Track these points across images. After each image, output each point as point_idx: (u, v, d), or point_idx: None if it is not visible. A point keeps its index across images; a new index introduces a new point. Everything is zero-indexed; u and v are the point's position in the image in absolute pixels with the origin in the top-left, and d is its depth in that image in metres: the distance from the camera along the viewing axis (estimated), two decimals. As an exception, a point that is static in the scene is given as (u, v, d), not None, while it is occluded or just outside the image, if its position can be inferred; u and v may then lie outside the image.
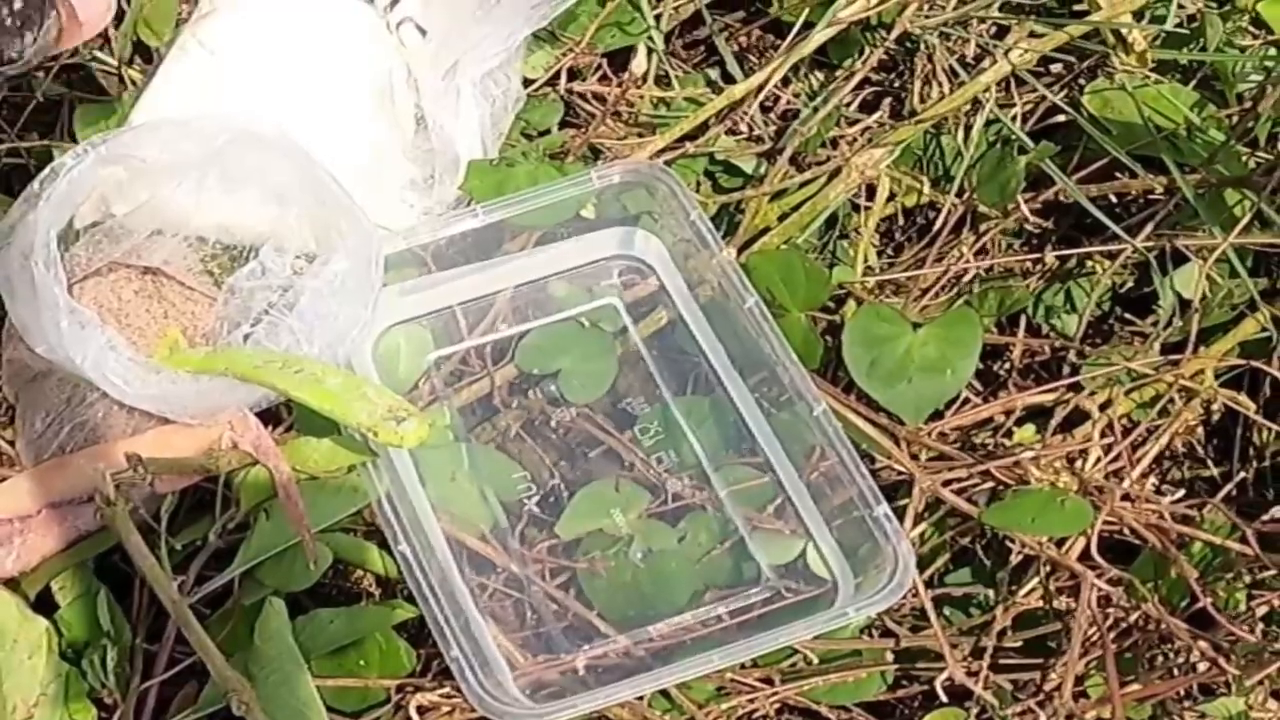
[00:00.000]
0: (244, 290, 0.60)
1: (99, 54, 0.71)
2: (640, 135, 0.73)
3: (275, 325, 0.58)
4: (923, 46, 0.74)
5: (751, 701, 0.59)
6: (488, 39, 0.66)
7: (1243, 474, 0.67)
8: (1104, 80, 0.72)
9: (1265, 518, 0.61)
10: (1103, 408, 0.65)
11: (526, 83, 0.71)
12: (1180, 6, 0.72)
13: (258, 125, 0.59)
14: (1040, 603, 0.62)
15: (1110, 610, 0.61)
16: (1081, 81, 0.74)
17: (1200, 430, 0.69)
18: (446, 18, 0.67)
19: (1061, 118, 0.73)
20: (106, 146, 0.57)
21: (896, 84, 0.76)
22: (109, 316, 0.61)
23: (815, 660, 0.60)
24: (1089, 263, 0.70)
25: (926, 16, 0.74)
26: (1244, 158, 0.69)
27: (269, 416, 0.62)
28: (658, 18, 0.74)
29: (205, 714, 0.55)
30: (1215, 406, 0.68)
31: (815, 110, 0.72)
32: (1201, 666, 0.60)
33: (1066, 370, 0.68)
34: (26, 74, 0.53)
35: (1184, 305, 0.67)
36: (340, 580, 0.62)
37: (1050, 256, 0.70)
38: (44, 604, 0.56)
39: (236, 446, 0.58)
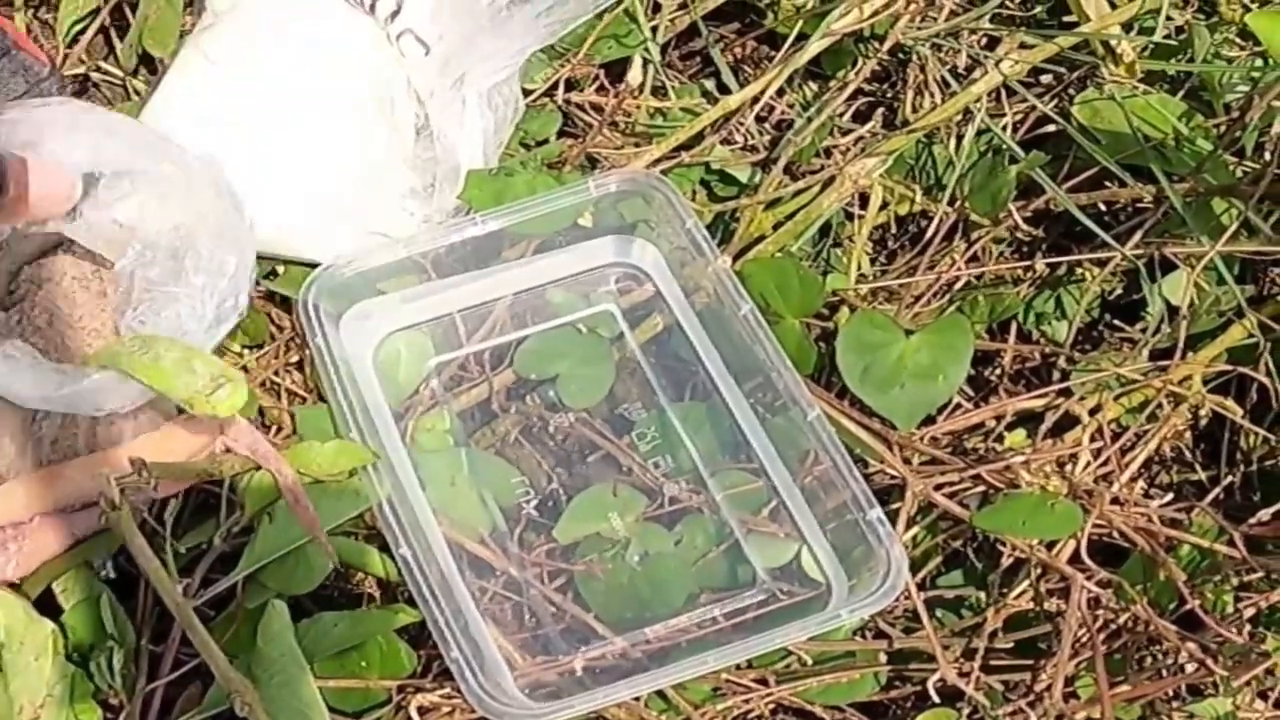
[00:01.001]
0: (125, 275, 0.60)
1: (106, 65, 0.72)
2: (637, 145, 0.73)
3: (153, 306, 0.59)
4: (915, 58, 0.74)
5: (746, 702, 0.59)
6: (498, 52, 0.66)
7: (1230, 478, 0.67)
8: (1093, 91, 0.72)
9: (1252, 521, 0.62)
10: (1092, 413, 0.65)
11: (525, 93, 0.71)
12: (1168, 18, 0.72)
13: (189, 156, 0.60)
14: (1031, 605, 0.62)
15: (1100, 612, 0.61)
16: (1071, 92, 0.74)
17: (1188, 435, 0.69)
18: (458, 30, 0.67)
19: (1051, 127, 0.73)
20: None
21: (889, 94, 0.77)
22: (61, 301, 0.60)
23: (809, 661, 0.60)
24: (1079, 270, 0.70)
25: (919, 28, 0.74)
26: (1231, 167, 0.69)
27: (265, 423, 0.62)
28: (654, 29, 0.74)
29: (209, 715, 0.55)
30: (1203, 412, 0.68)
31: (809, 120, 0.72)
32: (1190, 667, 0.60)
33: (1056, 376, 0.68)
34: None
35: (1172, 312, 0.67)
36: (342, 583, 0.62)
37: (1041, 264, 0.70)
38: (51, 606, 0.57)
39: (230, 451, 0.58)
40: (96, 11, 0.73)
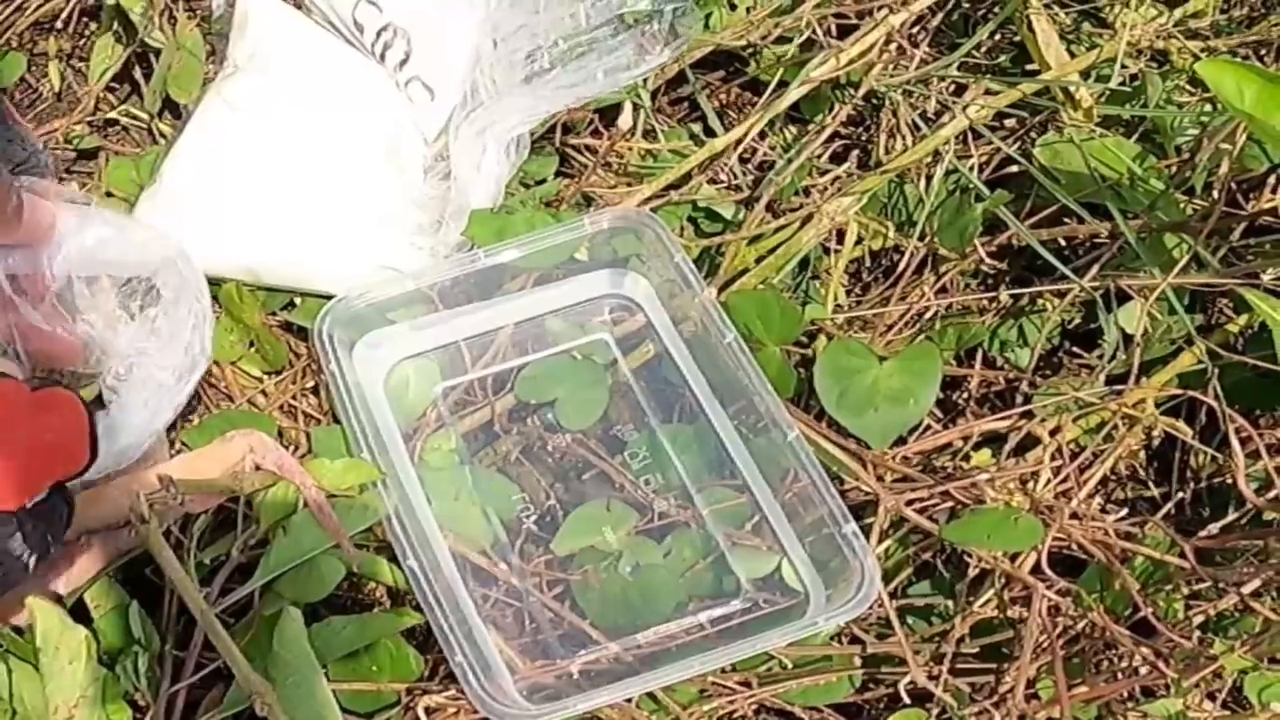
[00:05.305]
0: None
1: (132, 109, 0.75)
2: (629, 184, 0.75)
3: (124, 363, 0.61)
4: (888, 103, 0.76)
5: (731, 703, 0.61)
6: (526, 109, 0.68)
7: (1181, 494, 0.68)
8: (1054, 134, 0.73)
9: (1202, 534, 0.63)
10: (1053, 434, 0.65)
11: (525, 135, 0.73)
12: (1123, 67, 0.73)
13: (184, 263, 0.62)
14: (995, 612, 0.63)
15: (1059, 619, 0.61)
16: (1033, 135, 0.75)
17: (1142, 454, 0.70)
18: (498, 85, 0.69)
19: (1015, 168, 0.74)
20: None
21: (864, 137, 0.78)
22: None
23: (789, 665, 0.62)
24: (1040, 301, 0.72)
25: (891, 76, 0.76)
26: (1182, 205, 0.70)
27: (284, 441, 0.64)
28: (645, 77, 0.76)
29: (230, 715, 0.56)
30: (1156, 433, 0.69)
31: (789, 161, 0.74)
32: (1143, 670, 0.61)
33: (1019, 399, 0.69)
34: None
35: (1127, 340, 0.68)
36: (353, 591, 0.63)
37: (1005, 295, 0.71)
38: (83, 613, 0.58)
39: (259, 468, 0.61)
40: (125, 59, 0.76)
